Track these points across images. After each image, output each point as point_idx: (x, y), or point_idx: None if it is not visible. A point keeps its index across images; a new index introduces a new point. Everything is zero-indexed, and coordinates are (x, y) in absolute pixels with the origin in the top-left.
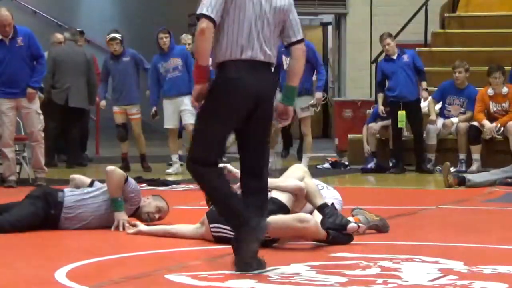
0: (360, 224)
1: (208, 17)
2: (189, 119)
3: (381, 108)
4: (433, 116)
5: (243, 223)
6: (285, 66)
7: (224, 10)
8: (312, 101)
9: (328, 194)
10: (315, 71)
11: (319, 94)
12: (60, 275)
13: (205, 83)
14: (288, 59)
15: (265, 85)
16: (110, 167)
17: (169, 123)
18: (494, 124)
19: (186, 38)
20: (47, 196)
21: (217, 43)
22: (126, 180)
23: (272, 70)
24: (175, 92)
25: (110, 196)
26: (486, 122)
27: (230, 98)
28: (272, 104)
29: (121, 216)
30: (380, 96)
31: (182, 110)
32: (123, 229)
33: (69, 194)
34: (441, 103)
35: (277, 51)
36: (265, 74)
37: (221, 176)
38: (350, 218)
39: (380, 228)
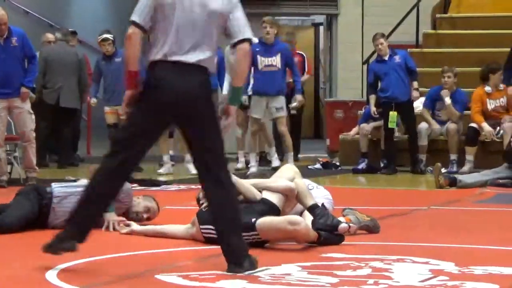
0: (351, 224)
1: (135, 23)
2: None
3: (373, 109)
4: (434, 125)
5: (72, 235)
6: (259, 67)
7: (153, 15)
8: (294, 104)
9: (319, 193)
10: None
11: (299, 97)
12: (51, 275)
13: (136, 88)
14: (263, 59)
15: (194, 86)
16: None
17: None
18: (492, 129)
19: None
20: (37, 189)
21: (149, 47)
22: None
23: (206, 72)
24: None
25: None
26: (485, 125)
27: (157, 96)
28: (211, 105)
29: (111, 217)
30: (372, 98)
31: None
32: (113, 229)
33: (57, 186)
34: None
35: (253, 51)
36: (194, 76)
37: (112, 179)
38: (341, 218)
39: (371, 228)
